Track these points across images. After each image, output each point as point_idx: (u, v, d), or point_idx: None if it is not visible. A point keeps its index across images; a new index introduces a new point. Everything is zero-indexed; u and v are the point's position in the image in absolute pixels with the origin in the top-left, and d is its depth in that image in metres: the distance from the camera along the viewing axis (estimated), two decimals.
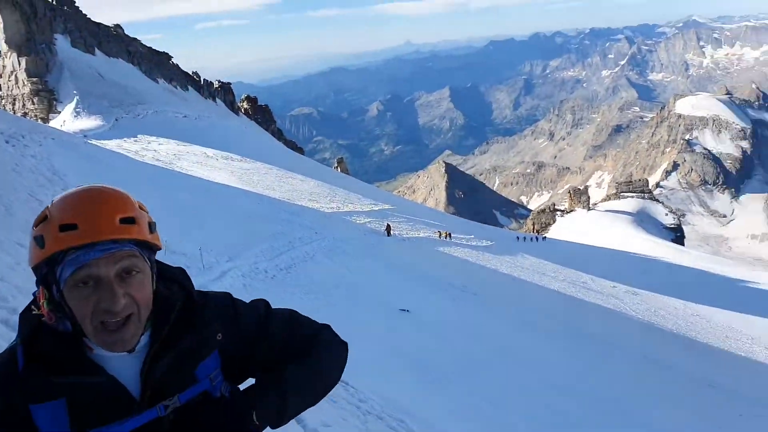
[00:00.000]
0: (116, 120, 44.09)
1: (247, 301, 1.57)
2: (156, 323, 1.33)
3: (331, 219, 23.79)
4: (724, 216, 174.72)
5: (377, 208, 33.20)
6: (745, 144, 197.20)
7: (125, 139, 34.65)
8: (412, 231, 28.39)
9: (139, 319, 1.25)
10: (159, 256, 1.33)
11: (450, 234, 29.29)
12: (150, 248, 1.31)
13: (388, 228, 24.82)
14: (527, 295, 19.15)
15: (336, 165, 59.01)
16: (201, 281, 9.23)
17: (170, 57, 74.35)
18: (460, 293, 15.14)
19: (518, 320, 13.50)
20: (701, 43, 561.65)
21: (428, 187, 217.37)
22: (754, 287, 39.58)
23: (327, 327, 1.63)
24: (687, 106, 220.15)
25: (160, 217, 1.36)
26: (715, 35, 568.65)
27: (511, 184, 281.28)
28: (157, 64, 70.35)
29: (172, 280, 1.42)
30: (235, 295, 1.56)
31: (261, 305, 1.56)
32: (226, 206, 18.77)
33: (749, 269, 65.01)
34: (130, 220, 1.24)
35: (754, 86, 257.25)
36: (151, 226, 1.31)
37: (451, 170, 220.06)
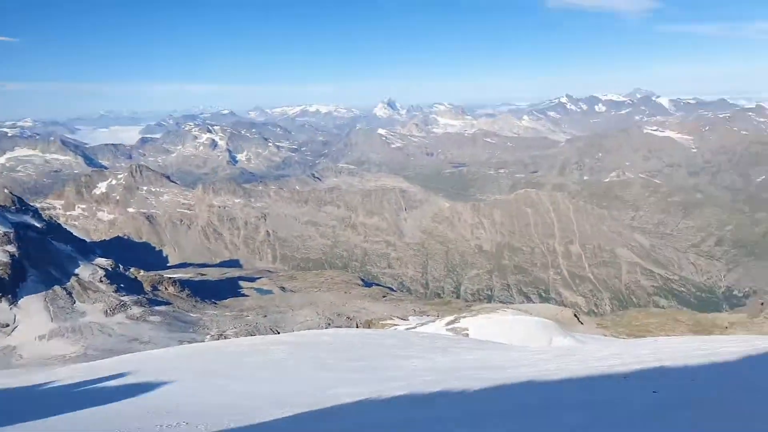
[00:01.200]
0: None
1: None
2: None
3: None
4: (7, 325, 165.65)
5: None
6: (12, 248, 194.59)
7: None
8: None
9: None
10: None
11: None
12: None
13: None
14: None
15: None
16: None
17: None
18: None
19: None
20: None
21: None
22: (48, 388, 36.42)
23: None
24: None
25: None
26: None
27: None
28: None
29: None
30: None
31: None
32: None
33: (45, 370, 61.72)
34: None
35: (7, 191, 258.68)
36: None
37: None
